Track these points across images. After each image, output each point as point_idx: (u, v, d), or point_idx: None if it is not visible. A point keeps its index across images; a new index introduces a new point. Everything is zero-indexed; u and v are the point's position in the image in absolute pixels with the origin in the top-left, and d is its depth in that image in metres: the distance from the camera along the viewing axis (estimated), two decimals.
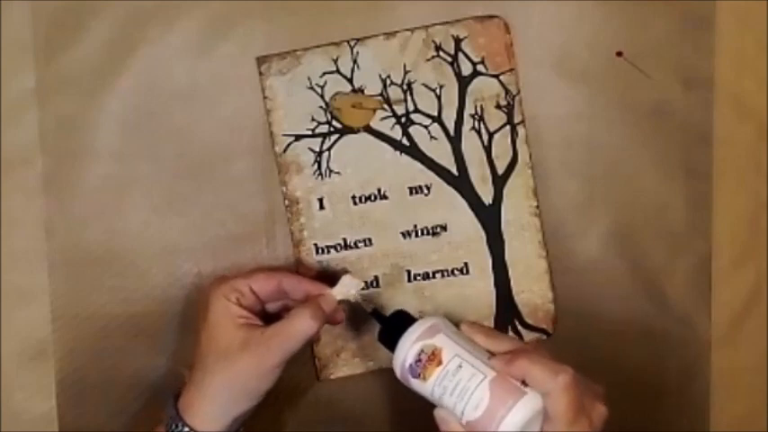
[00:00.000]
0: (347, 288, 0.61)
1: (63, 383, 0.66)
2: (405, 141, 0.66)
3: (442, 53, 0.65)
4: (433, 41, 0.65)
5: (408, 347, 0.57)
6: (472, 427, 0.55)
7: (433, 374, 0.56)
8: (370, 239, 0.67)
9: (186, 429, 0.56)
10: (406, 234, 0.67)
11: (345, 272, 0.65)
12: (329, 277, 0.65)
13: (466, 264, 0.67)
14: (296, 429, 0.68)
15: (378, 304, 0.64)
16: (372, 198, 0.66)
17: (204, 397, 0.57)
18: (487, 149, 0.66)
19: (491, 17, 0.65)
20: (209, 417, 0.57)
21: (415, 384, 0.57)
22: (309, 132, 0.66)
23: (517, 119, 0.66)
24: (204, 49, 0.65)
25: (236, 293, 0.59)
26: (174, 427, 0.57)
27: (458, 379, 0.55)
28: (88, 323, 0.66)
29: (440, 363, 0.56)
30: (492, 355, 0.56)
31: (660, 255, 0.68)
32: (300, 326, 0.58)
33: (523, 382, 0.55)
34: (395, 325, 0.59)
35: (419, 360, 0.56)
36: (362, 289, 0.62)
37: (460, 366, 0.56)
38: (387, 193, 0.66)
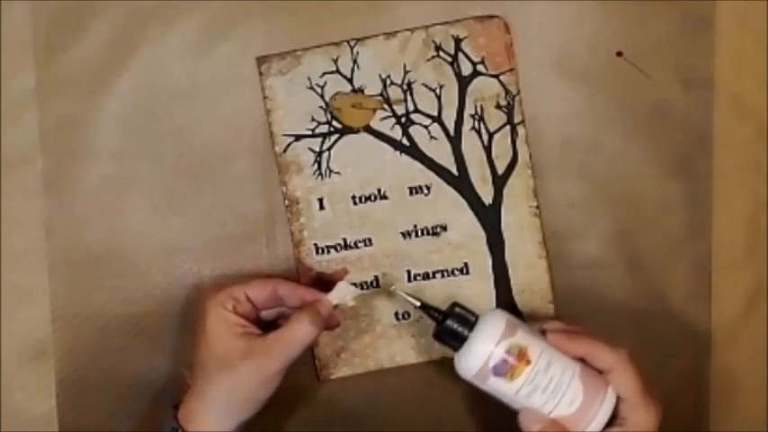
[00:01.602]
0: (343, 294, 0.61)
1: (63, 383, 0.66)
2: (405, 141, 0.66)
3: (442, 53, 0.65)
4: (433, 41, 0.65)
5: (491, 348, 0.55)
6: (563, 424, 0.54)
7: (523, 374, 0.55)
8: (370, 239, 0.67)
9: None
10: (406, 234, 0.67)
11: (345, 272, 0.65)
12: (329, 278, 0.65)
13: (466, 264, 0.67)
14: (296, 429, 0.68)
15: (423, 298, 0.60)
16: (372, 198, 0.66)
17: (206, 406, 0.57)
18: (487, 149, 0.66)
19: (491, 17, 0.65)
20: (211, 426, 0.56)
21: (495, 384, 0.55)
22: (309, 132, 0.66)
23: (517, 119, 0.66)
24: (204, 49, 0.65)
25: (233, 301, 0.59)
26: None
27: (550, 376, 0.54)
28: (88, 323, 0.66)
29: (529, 362, 0.55)
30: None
31: (660, 255, 0.68)
32: (300, 332, 0.58)
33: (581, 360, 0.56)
34: (456, 321, 0.57)
35: (506, 360, 0.55)
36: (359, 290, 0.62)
37: (550, 363, 0.55)
38: (387, 193, 0.66)
